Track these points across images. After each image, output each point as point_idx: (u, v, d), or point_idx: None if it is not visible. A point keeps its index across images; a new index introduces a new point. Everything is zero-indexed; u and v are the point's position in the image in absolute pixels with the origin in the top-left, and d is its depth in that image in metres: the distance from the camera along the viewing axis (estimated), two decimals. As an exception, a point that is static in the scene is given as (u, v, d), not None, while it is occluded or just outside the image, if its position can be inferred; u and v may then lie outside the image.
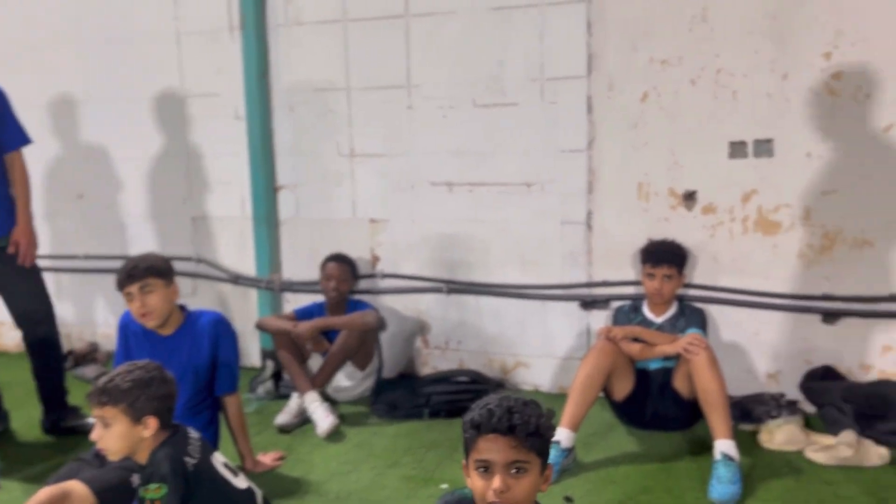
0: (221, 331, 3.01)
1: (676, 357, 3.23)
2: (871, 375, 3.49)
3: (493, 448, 1.65)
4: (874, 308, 3.43)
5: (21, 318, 3.53)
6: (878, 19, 3.30)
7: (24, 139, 3.47)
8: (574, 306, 3.90)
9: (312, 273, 4.16)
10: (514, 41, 3.82)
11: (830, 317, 3.47)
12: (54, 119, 4.74)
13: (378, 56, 4.08)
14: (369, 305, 3.98)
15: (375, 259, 4.25)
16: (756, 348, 3.66)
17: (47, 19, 4.71)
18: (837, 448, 3.01)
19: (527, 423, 1.65)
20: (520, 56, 3.82)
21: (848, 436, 3.04)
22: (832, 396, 3.37)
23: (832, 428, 3.22)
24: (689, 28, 3.55)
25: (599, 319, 3.83)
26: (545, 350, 3.99)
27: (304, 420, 3.63)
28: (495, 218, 3.99)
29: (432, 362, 4.22)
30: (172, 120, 4.51)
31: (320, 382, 3.76)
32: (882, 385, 3.38)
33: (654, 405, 3.34)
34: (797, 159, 3.48)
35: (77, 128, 4.73)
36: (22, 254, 3.41)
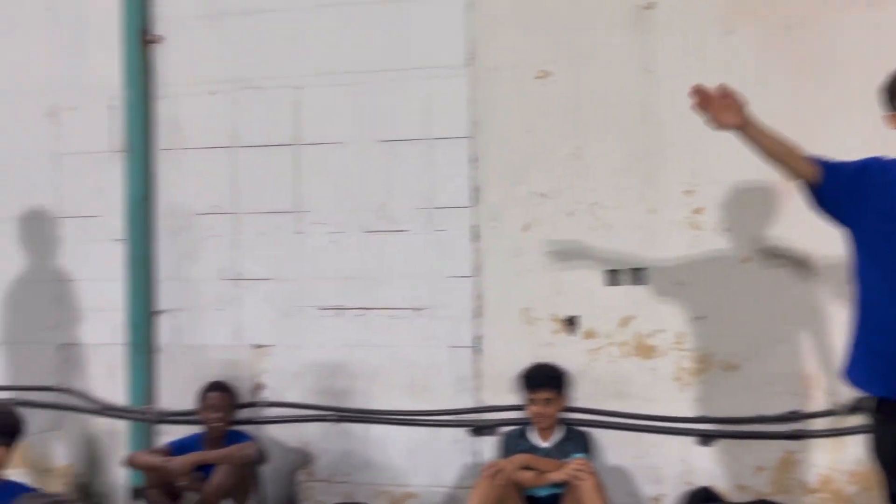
0: None
1: (566, 482, 3.24)
2: (748, 496, 3.60)
3: None
4: (744, 429, 3.59)
5: None
6: (729, 164, 3.63)
7: None
8: (463, 433, 3.86)
9: (189, 402, 3.93)
10: (401, 171, 3.95)
11: (706, 438, 3.60)
12: None
13: (267, 182, 4.10)
14: (249, 437, 3.78)
15: (258, 387, 4.09)
16: (639, 471, 3.71)
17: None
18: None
19: None
20: (407, 185, 3.94)
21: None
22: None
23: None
24: (564, 165, 3.80)
25: (489, 446, 3.79)
26: (434, 479, 3.89)
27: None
28: (384, 343, 3.96)
29: (317, 496, 4.01)
30: (43, 242, 4.31)
31: (193, 523, 3.49)
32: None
33: (545, 533, 3.30)
34: (668, 287, 3.70)
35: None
36: None
